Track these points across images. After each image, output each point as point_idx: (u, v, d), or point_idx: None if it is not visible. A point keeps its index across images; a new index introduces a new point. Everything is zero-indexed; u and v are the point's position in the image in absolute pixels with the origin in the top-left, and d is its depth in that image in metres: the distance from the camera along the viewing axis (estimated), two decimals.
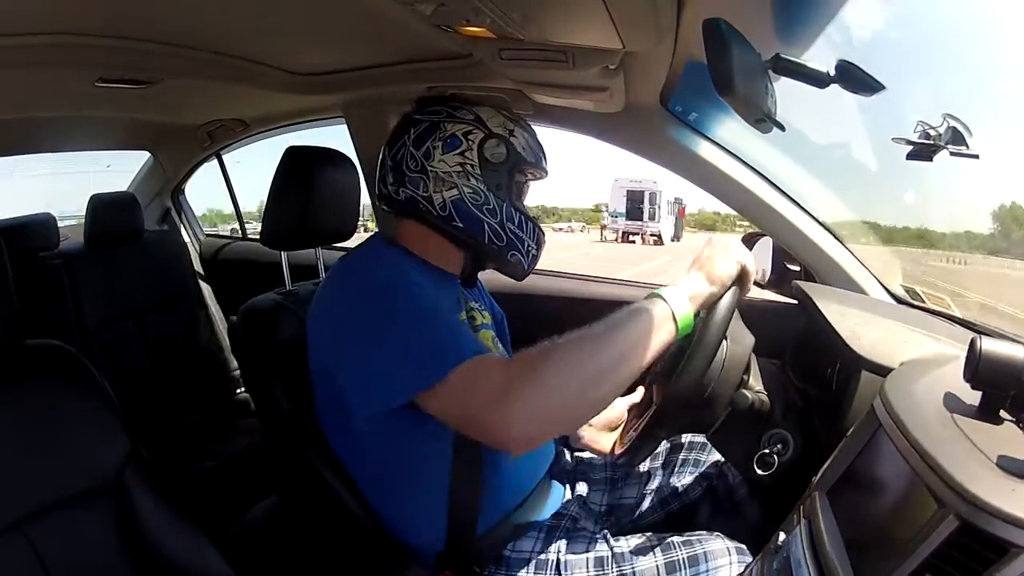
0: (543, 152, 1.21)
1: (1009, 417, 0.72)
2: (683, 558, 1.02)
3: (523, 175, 1.21)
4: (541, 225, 1.22)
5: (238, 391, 2.39)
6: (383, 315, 0.96)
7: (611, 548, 1.06)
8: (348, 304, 1.02)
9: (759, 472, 1.04)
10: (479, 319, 1.27)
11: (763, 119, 0.96)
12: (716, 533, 1.06)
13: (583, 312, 1.23)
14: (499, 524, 1.11)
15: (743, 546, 1.03)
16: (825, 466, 0.89)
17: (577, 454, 1.40)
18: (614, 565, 1.04)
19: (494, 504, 1.10)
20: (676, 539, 1.05)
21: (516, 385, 0.84)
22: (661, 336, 0.88)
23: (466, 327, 1.13)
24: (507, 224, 1.14)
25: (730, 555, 1.01)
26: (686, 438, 1.34)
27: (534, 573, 1.05)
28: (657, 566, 1.02)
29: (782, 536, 0.84)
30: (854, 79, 0.95)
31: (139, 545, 0.97)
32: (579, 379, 0.85)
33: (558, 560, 1.06)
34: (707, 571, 1.00)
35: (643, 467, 1.31)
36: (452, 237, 1.15)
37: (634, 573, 1.02)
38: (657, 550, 1.04)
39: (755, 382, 1.05)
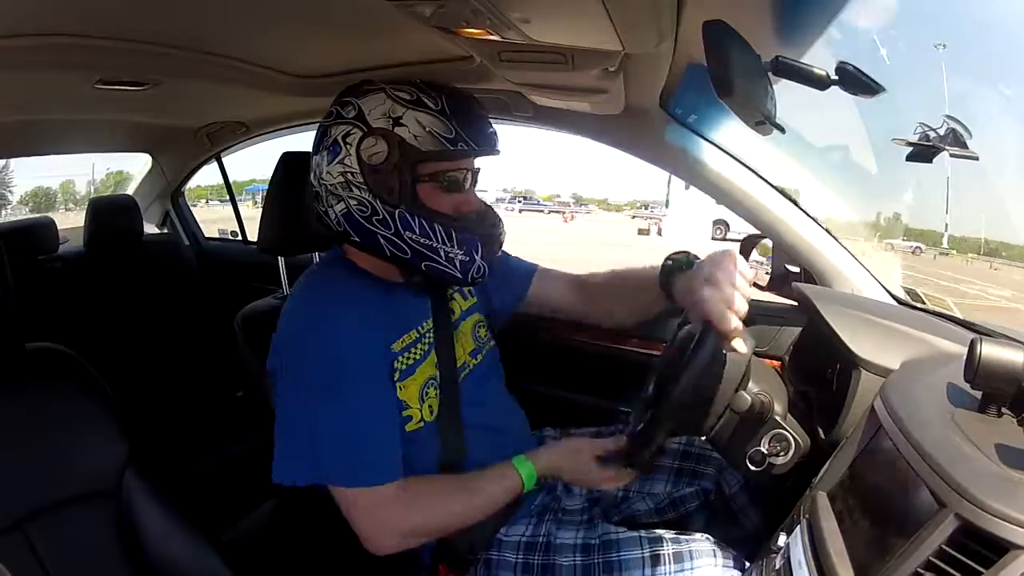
0: (463, 129, 1.03)
1: (1010, 416, 0.72)
2: (669, 553, 1.02)
3: (430, 165, 1.03)
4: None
5: (237, 394, 2.38)
6: (330, 395, 1.00)
7: (600, 536, 1.07)
8: (285, 362, 1.05)
9: (759, 473, 1.04)
10: (458, 308, 1.24)
11: (763, 121, 0.96)
12: (706, 536, 1.06)
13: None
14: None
15: (729, 551, 1.03)
16: (825, 467, 0.89)
17: None
18: (601, 552, 1.05)
19: None
20: (665, 535, 1.06)
21: (398, 526, 1.02)
22: (508, 499, 1.09)
23: (381, 404, 1.05)
24: (405, 234, 1.02)
25: (715, 557, 1.01)
26: (683, 446, 1.33)
27: (524, 553, 1.07)
28: (643, 558, 1.02)
29: (782, 537, 0.84)
30: (854, 81, 0.95)
31: (138, 547, 0.97)
32: (443, 526, 1.06)
33: (548, 543, 1.07)
34: (691, 569, 1.00)
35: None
36: (371, 253, 1.07)
37: (620, 561, 1.03)
38: (645, 542, 1.05)
39: (755, 383, 1.05)
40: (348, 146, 1.03)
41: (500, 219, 1.14)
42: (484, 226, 1.10)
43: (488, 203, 1.14)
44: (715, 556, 1.01)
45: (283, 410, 1.03)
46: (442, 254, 1.04)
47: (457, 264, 1.05)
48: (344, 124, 1.04)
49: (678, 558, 1.01)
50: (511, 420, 1.27)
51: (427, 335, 1.14)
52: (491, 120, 1.13)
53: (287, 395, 1.03)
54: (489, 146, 1.08)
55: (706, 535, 1.06)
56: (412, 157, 1.01)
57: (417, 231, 1.03)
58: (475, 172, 1.12)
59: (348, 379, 1.01)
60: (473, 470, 1.10)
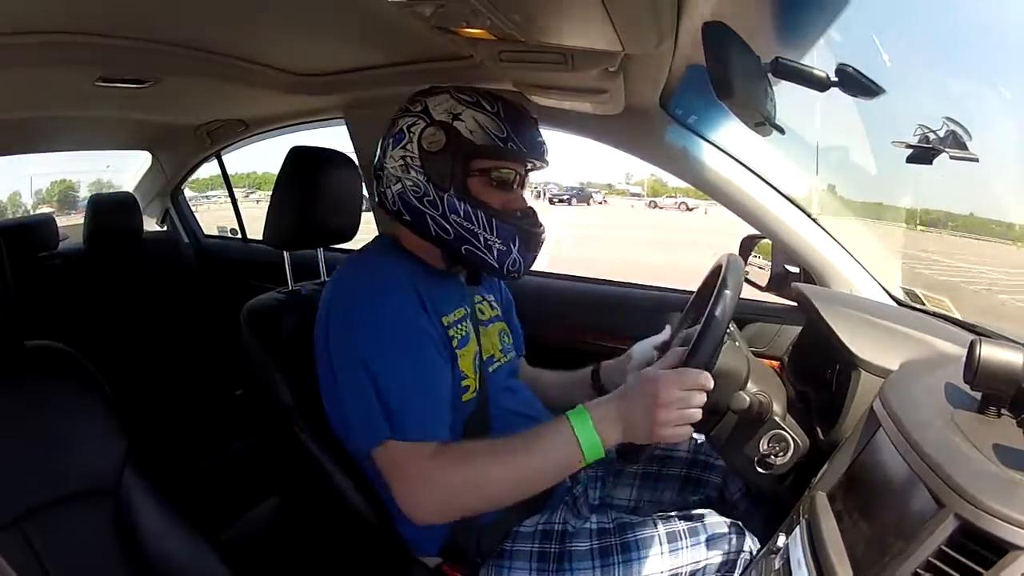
0: (515, 133, 1.10)
1: (1009, 416, 0.73)
2: (683, 529, 1.05)
3: (482, 162, 1.11)
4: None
5: (236, 392, 2.38)
6: (359, 359, 1.02)
7: (613, 520, 1.09)
8: (336, 332, 1.08)
9: (757, 474, 1.04)
10: (487, 312, 1.28)
11: (762, 122, 0.96)
12: (712, 511, 1.09)
13: (603, 316, 1.25)
14: (502, 514, 1.12)
15: (740, 523, 1.06)
16: (825, 467, 0.89)
17: None
18: (617, 534, 1.07)
19: None
20: (676, 514, 1.09)
21: (435, 481, 0.98)
22: (565, 471, 1.01)
23: (436, 363, 1.06)
24: (451, 216, 1.09)
25: (727, 528, 1.04)
26: (690, 455, 1.33)
27: (540, 542, 1.09)
28: (658, 536, 1.05)
29: (782, 537, 0.84)
30: (854, 83, 0.95)
31: (137, 545, 0.97)
32: (486, 494, 1.00)
33: (564, 531, 1.10)
34: (707, 541, 1.03)
35: (631, 467, 1.31)
36: (419, 232, 1.14)
37: (636, 541, 1.05)
38: (658, 522, 1.07)
39: (754, 383, 1.05)
40: (411, 134, 1.11)
41: (542, 224, 1.19)
42: (526, 224, 1.14)
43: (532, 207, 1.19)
44: (727, 527, 1.04)
45: (341, 385, 1.06)
46: (482, 240, 1.10)
47: (495, 252, 1.11)
48: (411, 116, 1.12)
49: (692, 532, 1.04)
50: (539, 407, 1.30)
51: (467, 319, 1.19)
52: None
53: (342, 370, 1.05)
54: (538, 154, 1.15)
55: (712, 510, 1.09)
56: (466, 149, 1.09)
57: (462, 215, 1.10)
58: (523, 176, 1.18)
59: (398, 339, 1.04)
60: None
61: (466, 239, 1.10)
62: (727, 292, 0.96)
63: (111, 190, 2.88)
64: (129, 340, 2.26)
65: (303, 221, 1.37)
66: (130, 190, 2.72)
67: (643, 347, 1.28)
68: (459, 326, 1.14)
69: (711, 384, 0.93)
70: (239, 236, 2.94)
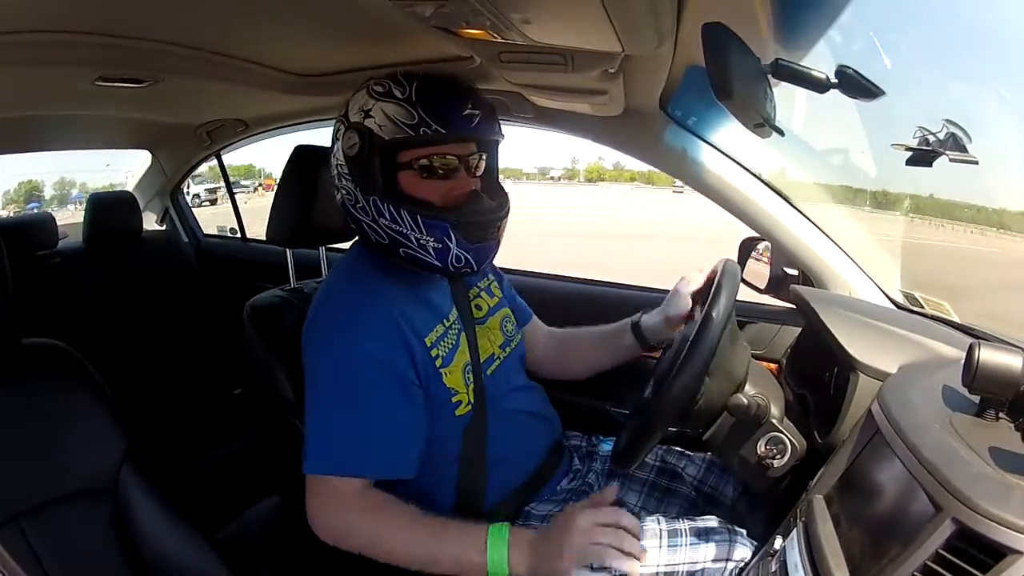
0: (428, 114, 1.01)
1: (1007, 420, 0.72)
2: (685, 528, 1.04)
3: (404, 154, 1.05)
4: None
5: (235, 391, 2.38)
6: (342, 393, 1.04)
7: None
8: (304, 356, 1.09)
9: (756, 477, 1.04)
10: (486, 304, 1.26)
11: (762, 124, 0.96)
12: (716, 517, 1.08)
13: (604, 317, 1.25)
14: (507, 498, 1.15)
15: (742, 530, 1.04)
16: (822, 470, 0.89)
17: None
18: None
19: (500, 480, 1.15)
20: (679, 518, 1.08)
21: (351, 530, 1.03)
22: (461, 570, 0.98)
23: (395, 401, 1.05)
24: (380, 220, 1.05)
25: (729, 534, 1.03)
26: (696, 482, 1.31)
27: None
28: (661, 531, 1.04)
29: (779, 540, 0.84)
30: (854, 84, 0.95)
31: (135, 544, 0.97)
32: (378, 551, 1.01)
33: None
34: (707, 543, 1.01)
35: (643, 474, 1.31)
36: (364, 241, 1.13)
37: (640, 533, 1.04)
38: (661, 519, 1.06)
39: (752, 386, 1.05)
40: (337, 141, 1.09)
41: (499, 206, 1.12)
42: (468, 213, 1.07)
43: (479, 189, 1.11)
44: (728, 532, 1.03)
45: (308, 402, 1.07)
46: (414, 240, 1.05)
47: (431, 251, 1.06)
48: (337, 121, 1.10)
49: (693, 532, 1.03)
50: (539, 402, 1.29)
51: (455, 325, 1.16)
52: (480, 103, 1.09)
53: (310, 390, 1.07)
54: (462, 129, 1.04)
55: (715, 516, 1.08)
56: (379, 146, 1.03)
57: (388, 217, 1.05)
58: (468, 158, 1.09)
59: (358, 381, 1.04)
60: (500, 456, 1.14)
61: (400, 242, 1.06)
62: (723, 296, 0.96)
63: (75, 190, 2.89)
64: (128, 339, 2.26)
65: (306, 219, 1.38)
66: (99, 189, 2.72)
67: (682, 294, 1.25)
68: (442, 343, 1.12)
69: (626, 521, 0.97)
70: (238, 235, 2.94)
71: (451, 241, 1.05)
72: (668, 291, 1.30)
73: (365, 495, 1.03)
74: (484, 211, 1.08)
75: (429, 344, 1.10)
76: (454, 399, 1.11)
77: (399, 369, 1.05)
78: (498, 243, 1.12)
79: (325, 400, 1.04)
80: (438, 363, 1.10)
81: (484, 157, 1.14)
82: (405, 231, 1.05)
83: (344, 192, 1.09)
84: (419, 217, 1.04)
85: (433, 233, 1.04)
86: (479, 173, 1.13)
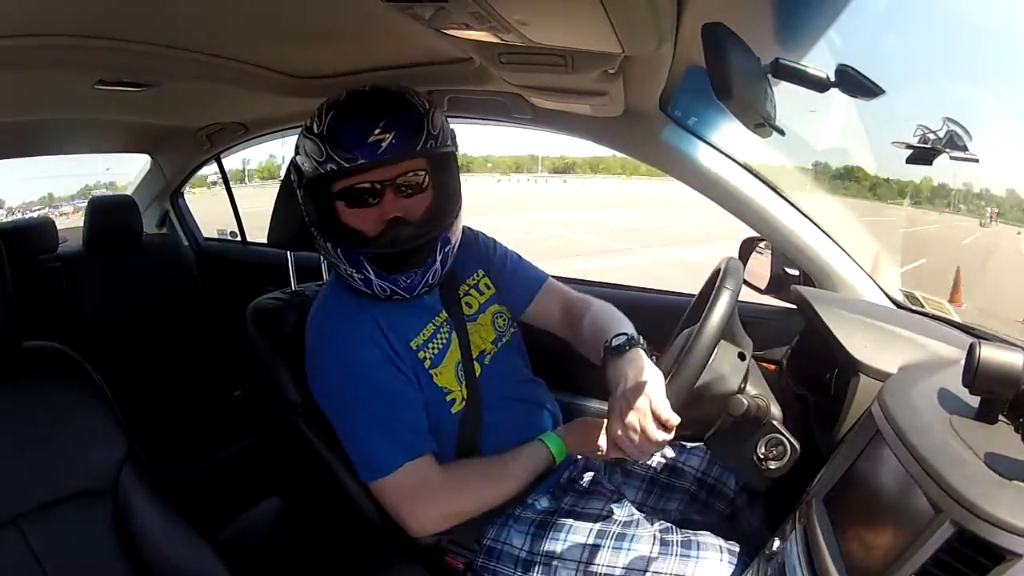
0: (334, 148, 1.01)
1: (1007, 423, 0.72)
2: (677, 540, 1.05)
3: (332, 185, 1.06)
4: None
5: (236, 393, 2.38)
6: (345, 403, 1.10)
7: (617, 516, 1.12)
8: (318, 380, 1.14)
9: (756, 478, 1.04)
10: (476, 302, 1.27)
11: (762, 124, 0.96)
12: (711, 533, 1.07)
13: None
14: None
15: (736, 547, 1.04)
16: (822, 472, 0.89)
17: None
18: (616, 528, 1.08)
19: None
20: (675, 527, 1.09)
21: (442, 499, 1.08)
22: (540, 472, 1.14)
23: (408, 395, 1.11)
24: (320, 251, 1.14)
25: (720, 552, 1.03)
26: (699, 474, 1.32)
27: (547, 515, 1.13)
28: (654, 535, 1.05)
29: (777, 542, 0.84)
30: (853, 83, 0.95)
31: (136, 545, 0.97)
32: (480, 504, 1.10)
33: (570, 511, 1.14)
34: (696, 558, 1.02)
35: (641, 470, 1.31)
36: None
37: (633, 537, 1.05)
38: (656, 525, 1.09)
39: (752, 387, 1.04)
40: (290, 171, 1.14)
41: (425, 231, 1.09)
42: (385, 244, 1.06)
43: (406, 217, 1.08)
44: (720, 551, 1.03)
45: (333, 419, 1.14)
46: (343, 270, 1.11)
47: (359, 281, 1.10)
48: None
49: (686, 545, 1.04)
50: (538, 394, 1.31)
51: (444, 325, 1.19)
52: (400, 121, 1.04)
53: (327, 406, 1.13)
54: (367, 156, 1.01)
55: (711, 532, 1.08)
56: (304, 181, 1.08)
57: (324, 249, 1.11)
58: (399, 179, 1.06)
59: (345, 388, 1.10)
60: (497, 444, 1.17)
61: (338, 270, 1.12)
62: (724, 295, 0.96)
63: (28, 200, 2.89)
64: (128, 341, 2.26)
65: (306, 221, 1.38)
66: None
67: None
68: (431, 344, 1.15)
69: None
70: (238, 238, 2.94)
71: (370, 272, 1.08)
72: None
73: (433, 470, 1.09)
74: (401, 239, 1.06)
75: (415, 347, 1.13)
76: (448, 397, 1.15)
77: (393, 361, 1.11)
78: (433, 265, 1.11)
79: (347, 411, 1.10)
80: (427, 364, 1.13)
81: (427, 174, 1.10)
82: (336, 262, 1.11)
83: (306, 221, 1.14)
84: (339, 250, 1.08)
85: (353, 265, 1.08)
86: (423, 189, 1.10)
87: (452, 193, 1.13)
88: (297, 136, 1.10)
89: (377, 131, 1.01)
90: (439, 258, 1.11)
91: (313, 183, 1.07)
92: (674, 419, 0.90)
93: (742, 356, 1.06)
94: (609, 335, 1.06)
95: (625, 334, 1.05)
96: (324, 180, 1.06)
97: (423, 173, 1.09)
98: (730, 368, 1.03)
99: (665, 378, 0.97)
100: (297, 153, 1.09)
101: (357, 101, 1.07)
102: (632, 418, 0.90)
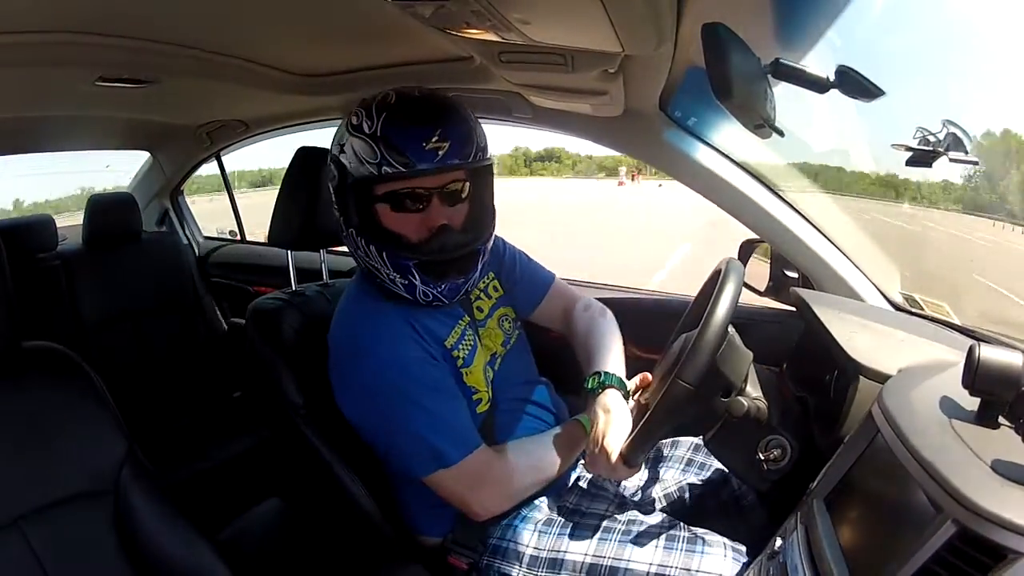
0: (390, 152, 1.01)
1: (1007, 423, 0.72)
2: (683, 536, 1.06)
3: (378, 188, 1.05)
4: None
5: (235, 394, 2.38)
6: (395, 402, 1.07)
7: (622, 515, 1.12)
8: (347, 381, 1.12)
9: (757, 479, 1.04)
10: (486, 305, 1.27)
11: (762, 124, 0.96)
12: (715, 532, 1.08)
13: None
14: None
15: (741, 547, 1.04)
16: (823, 472, 0.89)
17: None
18: (621, 524, 1.09)
19: None
20: (681, 524, 1.09)
21: (506, 482, 1.10)
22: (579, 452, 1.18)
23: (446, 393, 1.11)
24: (358, 252, 1.10)
25: (725, 549, 1.03)
26: (693, 440, 1.35)
27: (556, 513, 1.14)
28: (659, 531, 1.06)
29: (779, 542, 0.84)
30: (853, 84, 0.95)
31: (136, 546, 0.97)
32: (537, 482, 1.13)
33: (576, 509, 1.16)
34: (701, 553, 1.02)
35: (643, 468, 1.31)
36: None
37: (638, 533, 1.06)
38: (661, 526, 1.09)
39: (752, 389, 1.04)
40: (327, 169, 1.11)
41: (471, 239, 1.11)
42: (434, 250, 1.07)
43: (451, 224, 1.09)
44: (725, 548, 1.03)
45: (374, 420, 1.11)
46: (385, 275, 1.09)
47: (400, 286, 1.09)
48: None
49: (691, 542, 1.04)
50: (544, 395, 1.31)
51: (468, 328, 1.20)
52: (459, 129, 1.06)
53: (369, 409, 1.11)
54: (425, 163, 1.02)
55: (714, 532, 1.09)
56: (350, 182, 1.05)
57: (363, 251, 1.09)
58: (446, 187, 1.08)
59: (402, 386, 1.07)
60: (509, 439, 1.18)
61: (376, 273, 1.09)
62: (725, 297, 0.96)
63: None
64: (127, 341, 2.26)
65: (309, 221, 1.38)
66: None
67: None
68: (462, 343, 1.16)
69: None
70: (237, 238, 2.94)
71: (415, 279, 1.08)
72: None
73: (492, 456, 1.10)
74: (448, 247, 1.08)
75: (449, 346, 1.13)
76: (475, 396, 1.15)
77: (435, 358, 1.11)
78: (474, 273, 1.14)
79: (399, 409, 1.06)
80: (459, 363, 1.14)
81: (468, 184, 1.12)
82: (377, 265, 1.08)
83: (337, 219, 1.12)
84: (385, 255, 1.07)
85: (399, 270, 1.07)
86: (463, 199, 1.12)
87: (489, 204, 1.18)
88: (337, 131, 1.09)
89: (435, 138, 1.02)
90: (479, 267, 1.15)
91: (359, 184, 1.05)
92: (618, 462, 1.01)
93: (742, 358, 1.06)
94: (591, 369, 1.19)
95: (598, 374, 1.16)
96: (371, 182, 1.05)
97: (464, 183, 1.11)
98: (731, 370, 1.02)
99: (666, 377, 0.97)
100: (340, 151, 1.06)
101: (411, 106, 1.06)
102: (595, 455, 1.05)
